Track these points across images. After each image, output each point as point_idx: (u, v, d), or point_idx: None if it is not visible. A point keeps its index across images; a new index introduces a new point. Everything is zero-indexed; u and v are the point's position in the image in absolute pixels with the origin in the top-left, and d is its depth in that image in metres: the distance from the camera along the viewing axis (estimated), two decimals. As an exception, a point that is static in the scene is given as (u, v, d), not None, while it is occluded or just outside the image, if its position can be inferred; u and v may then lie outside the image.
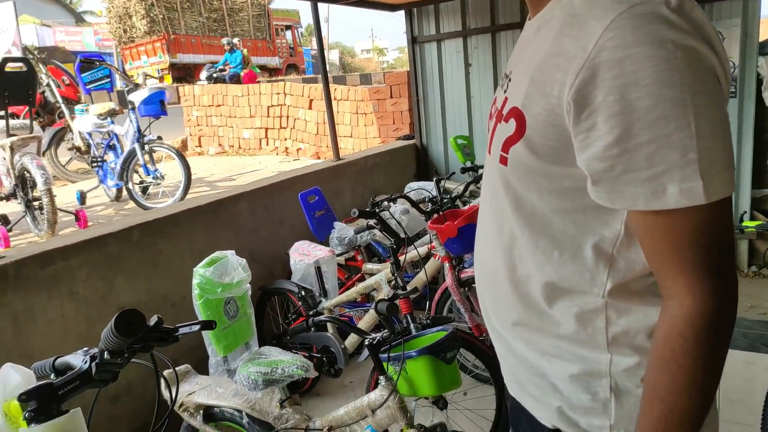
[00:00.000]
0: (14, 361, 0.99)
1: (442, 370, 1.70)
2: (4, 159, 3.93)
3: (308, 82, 8.06)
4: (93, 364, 0.83)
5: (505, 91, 0.83)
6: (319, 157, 7.34)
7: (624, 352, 0.78)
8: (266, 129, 8.12)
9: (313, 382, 2.88)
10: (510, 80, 0.82)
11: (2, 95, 3.87)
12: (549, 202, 0.77)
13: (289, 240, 3.33)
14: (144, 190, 4.74)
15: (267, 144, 8.18)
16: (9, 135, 3.96)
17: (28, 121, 4.25)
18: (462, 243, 2.55)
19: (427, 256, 2.90)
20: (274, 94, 7.89)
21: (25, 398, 0.80)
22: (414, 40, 4.77)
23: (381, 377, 1.70)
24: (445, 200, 3.17)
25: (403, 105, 6.12)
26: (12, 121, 4.07)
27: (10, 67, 4.01)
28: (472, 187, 3.88)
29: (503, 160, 0.79)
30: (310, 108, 7.48)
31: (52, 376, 0.96)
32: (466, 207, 2.74)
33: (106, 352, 0.83)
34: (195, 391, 1.98)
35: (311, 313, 2.70)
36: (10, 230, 4.03)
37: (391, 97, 6.18)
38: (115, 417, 2.46)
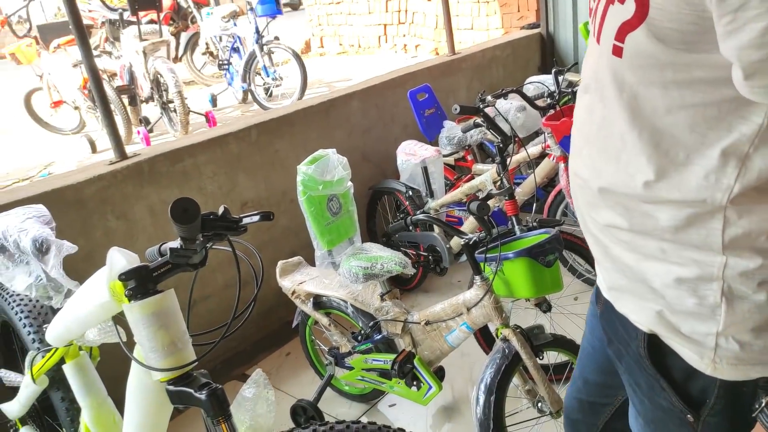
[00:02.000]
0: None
1: (541, 272, 1.64)
2: (141, 64, 4.27)
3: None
4: (169, 249, 0.90)
5: None
6: (438, 53, 7.04)
7: (743, 254, 0.69)
8: (385, 25, 7.89)
9: (421, 280, 2.96)
10: None
11: (133, 2, 4.14)
12: (675, 98, 0.64)
13: (400, 140, 3.30)
14: (267, 91, 4.92)
15: (386, 41, 7.99)
16: (141, 40, 4.27)
17: (157, 26, 4.52)
18: (579, 141, 2.35)
19: (542, 156, 2.73)
20: (393, -13, 7.57)
21: (124, 278, 0.90)
22: None
23: (476, 277, 1.69)
24: (566, 95, 2.91)
25: (530, -11, 5.56)
26: (143, 27, 4.36)
27: (138, -27, 4.24)
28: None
29: (617, 51, 0.67)
30: (429, 0, 7.09)
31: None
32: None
33: (179, 239, 0.89)
34: (305, 281, 2.12)
35: (418, 212, 2.71)
36: (150, 131, 4.45)
37: (516, -19, 5.63)
38: (232, 303, 2.73)
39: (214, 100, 5.26)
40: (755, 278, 0.68)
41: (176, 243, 0.97)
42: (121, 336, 1.00)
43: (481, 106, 2.07)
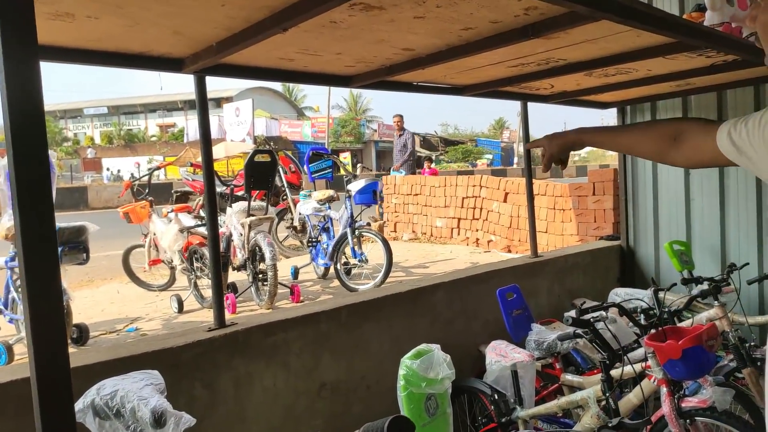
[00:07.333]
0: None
1: None
2: (241, 235, 4.60)
3: (496, 174, 8.12)
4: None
5: None
6: (509, 251, 7.22)
7: None
8: (458, 219, 8.30)
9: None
10: None
11: (249, 181, 4.64)
12: None
13: (480, 336, 3.24)
14: (347, 270, 5.10)
15: (458, 234, 8.33)
16: (249, 215, 4.66)
17: (264, 204, 4.96)
18: (686, 367, 2.23)
19: (640, 376, 2.58)
20: (470, 186, 8.11)
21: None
22: (625, 138, 4.57)
23: None
24: (664, 314, 2.84)
25: (607, 203, 5.80)
26: (252, 203, 4.79)
27: (258, 157, 4.82)
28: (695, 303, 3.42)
29: None
30: (504, 201, 7.50)
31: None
32: (690, 325, 2.42)
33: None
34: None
35: (503, 420, 2.55)
36: (237, 297, 4.61)
37: (594, 194, 5.91)
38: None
39: (296, 272, 5.49)
40: None
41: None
42: None
43: (591, 319, 2.04)
